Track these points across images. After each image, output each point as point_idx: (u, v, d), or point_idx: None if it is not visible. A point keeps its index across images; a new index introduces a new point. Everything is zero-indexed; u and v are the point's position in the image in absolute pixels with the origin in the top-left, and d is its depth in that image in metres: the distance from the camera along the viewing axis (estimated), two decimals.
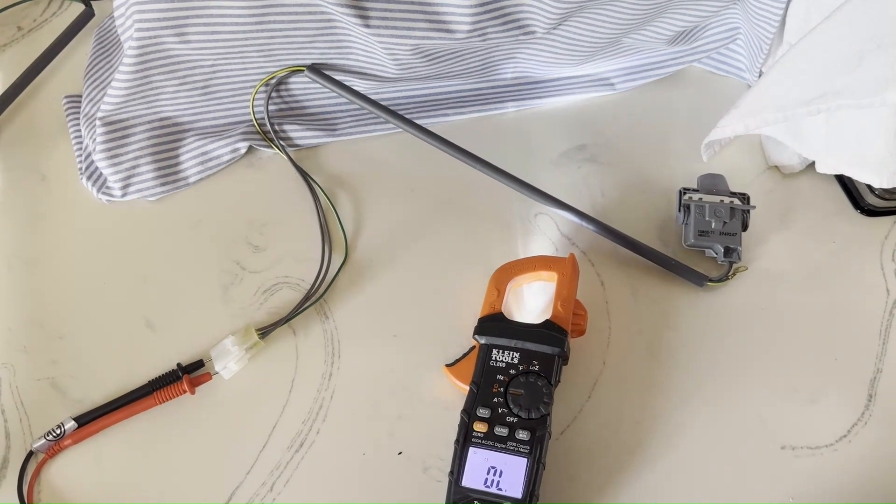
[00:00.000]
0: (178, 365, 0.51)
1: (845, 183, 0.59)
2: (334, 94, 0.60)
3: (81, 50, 0.66)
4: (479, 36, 0.55)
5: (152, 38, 0.53)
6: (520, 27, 0.56)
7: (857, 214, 0.58)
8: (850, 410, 0.51)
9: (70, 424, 0.49)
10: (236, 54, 0.56)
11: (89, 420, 0.49)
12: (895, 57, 0.46)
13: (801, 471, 0.49)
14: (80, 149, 0.59)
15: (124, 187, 0.57)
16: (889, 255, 0.57)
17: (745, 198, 0.56)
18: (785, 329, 0.54)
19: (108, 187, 0.58)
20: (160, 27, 0.53)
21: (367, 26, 0.53)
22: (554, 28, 0.57)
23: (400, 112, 0.60)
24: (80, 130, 0.60)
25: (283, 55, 0.57)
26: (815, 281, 0.56)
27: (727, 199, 0.55)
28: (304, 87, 0.60)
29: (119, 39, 0.58)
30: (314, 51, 0.57)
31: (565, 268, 0.52)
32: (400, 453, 0.49)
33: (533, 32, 0.56)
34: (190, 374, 0.51)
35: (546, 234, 0.58)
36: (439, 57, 0.58)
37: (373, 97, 0.60)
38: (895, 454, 0.49)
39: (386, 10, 0.53)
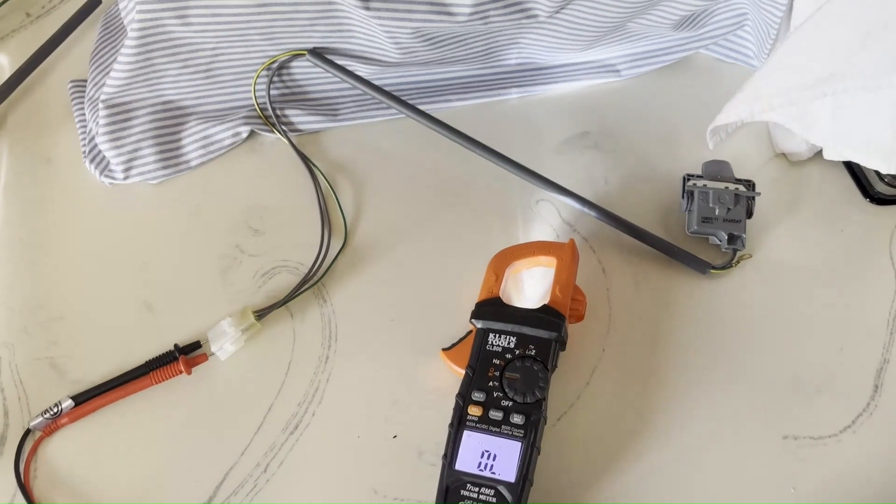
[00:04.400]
0: (175, 346, 0.51)
1: (854, 170, 0.58)
2: (336, 79, 0.60)
3: (88, 36, 0.66)
4: (481, 19, 0.55)
5: (154, 21, 0.53)
6: (522, 10, 0.55)
7: (865, 202, 0.57)
8: (855, 401, 0.50)
9: (67, 403, 0.49)
10: (238, 37, 0.56)
11: (86, 399, 0.49)
12: None
13: (804, 461, 0.48)
14: (85, 132, 0.60)
15: (126, 170, 0.58)
16: None
17: (750, 184, 0.55)
18: (790, 318, 0.53)
19: (110, 170, 0.58)
20: (161, 9, 0.53)
21: (367, 9, 0.53)
22: (557, 12, 0.56)
23: (402, 98, 0.60)
24: (84, 114, 0.60)
25: (284, 39, 0.57)
26: (822, 269, 0.55)
27: (732, 186, 0.55)
28: (307, 72, 0.60)
29: (123, 25, 0.58)
30: (315, 34, 0.57)
31: (564, 253, 0.51)
32: (395, 437, 0.49)
33: (535, 16, 0.56)
34: (187, 354, 0.51)
35: (547, 220, 0.57)
36: (441, 41, 0.58)
37: (375, 82, 0.60)
38: None
39: None
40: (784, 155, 0.60)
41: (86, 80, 0.62)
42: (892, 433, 0.49)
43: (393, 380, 0.51)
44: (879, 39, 0.46)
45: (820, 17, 0.49)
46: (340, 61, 0.59)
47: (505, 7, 0.55)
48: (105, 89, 0.57)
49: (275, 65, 0.59)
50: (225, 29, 0.55)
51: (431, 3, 0.54)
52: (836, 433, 0.49)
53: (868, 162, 0.52)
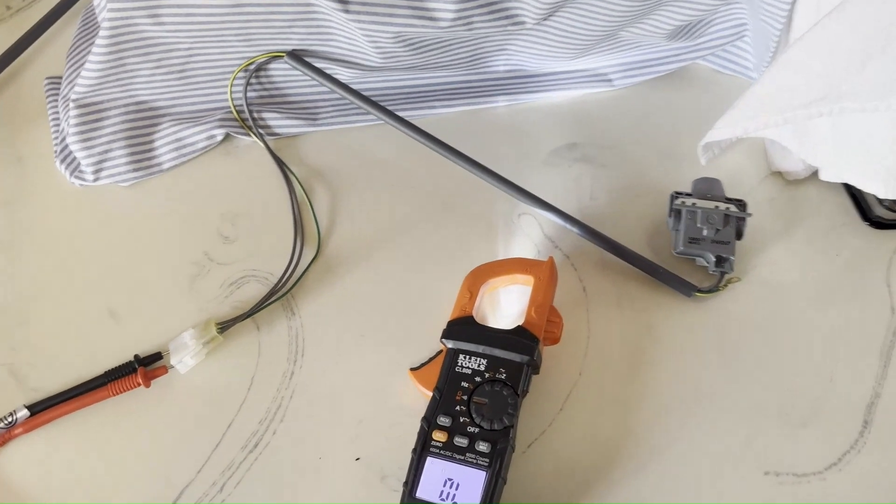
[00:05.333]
0: (136, 357, 0.49)
1: (853, 192, 0.55)
2: (316, 82, 0.58)
3: (68, 31, 0.65)
4: (465, 25, 0.53)
5: (125, 20, 0.52)
6: (508, 17, 0.53)
7: (864, 226, 0.55)
8: (842, 436, 0.47)
9: (22, 413, 0.48)
10: (213, 38, 0.54)
11: (42, 409, 0.48)
12: None
13: (785, 499, 0.45)
14: (58, 131, 0.58)
15: (96, 171, 0.56)
16: None
17: (741, 204, 0.53)
18: (778, 345, 0.50)
19: (80, 171, 0.56)
20: (133, 8, 0.51)
21: (346, 11, 0.51)
22: (545, 19, 0.54)
23: (385, 103, 0.58)
24: (58, 112, 0.59)
25: (261, 40, 0.55)
26: (815, 296, 0.52)
27: (722, 206, 0.52)
28: (285, 74, 0.59)
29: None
30: (294, 36, 0.55)
31: (542, 272, 0.49)
32: (358, 459, 0.47)
33: (522, 23, 0.54)
34: (147, 366, 0.49)
35: (529, 235, 0.55)
36: (425, 46, 0.55)
37: (358, 87, 0.58)
38: (889, 486, 0.46)
39: None
40: (780, 173, 0.57)
41: (62, 77, 0.61)
42: (880, 473, 0.46)
43: (360, 399, 0.49)
44: (879, 61, 0.43)
45: (818, 32, 0.46)
46: (320, 64, 0.57)
47: (490, 13, 0.53)
48: (76, 88, 0.55)
49: (252, 66, 0.57)
50: (199, 29, 0.53)
51: (413, 8, 0.52)
52: (820, 471, 0.46)
53: (865, 186, 0.49)
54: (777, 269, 0.53)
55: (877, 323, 0.51)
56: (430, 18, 0.52)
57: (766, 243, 0.54)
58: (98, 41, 0.53)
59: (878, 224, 0.54)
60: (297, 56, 0.56)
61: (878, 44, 0.43)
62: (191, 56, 0.55)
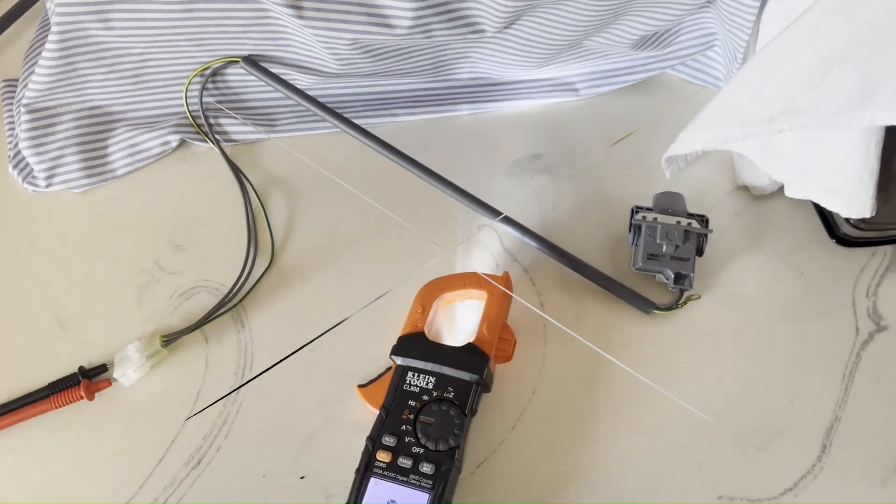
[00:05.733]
0: (80, 368, 0.48)
1: (821, 209, 0.54)
2: (273, 88, 0.57)
3: (29, 32, 0.63)
4: (423, 33, 0.51)
5: (74, 24, 0.50)
6: (467, 25, 0.52)
7: (831, 243, 0.53)
8: (800, 461, 0.46)
9: None
10: (166, 42, 0.53)
11: None
12: (864, 72, 0.41)
13: None
14: (13, 135, 0.57)
15: (49, 178, 0.55)
16: (863, 290, 0.52)
17: (703, 220, 0.51)
18: (738, 366, 0.49)
19: (33, 177, 0.55)
20: (81, 12, 0.50)
21: (301, 17, 0.50)
22: (506, 27, 0.52)
23: (346, 110, 0.57)
24: (13, 116, 0.57)
25: (216, 45, 0.54)
26: (777, 315, 0.51)
27: (683, 221, 0.51)
28: (242, 80, 0.57)
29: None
30: (249, 41, 0.54)
31: (496, 287, 0.48)
32: (302, 478, 0.46)
33: (483, 31, 0.52)
34: (91, 378, 0.48)
35: (488, 248, 0.54)
36: (384, 54, 0.54)
37: (318, 93, 0.57)
38: None
39: (320, 0, 0.49)
40: (747, 187, 0.56)
41: (18, 80, 0.59)
42: (836, 499, 0.45)
43: (308, 415, 0.48)
44: (838, 75, 0.42)
45: (777, 47, 0.45)
46: (277, 70, 0.56)
47: (448, 20, 0.51)
48: (27, 93, 0.54)
49: (208, 71, 0.56)
50: (151, 34, 0.52)
51: (369, 14, 0.50)
52: (775, 496, 0.45)
53: (829, 204, 0.48)
54: (739, 287, 0.52)
55: (841, 344, 0.50)
56: (387, 25, 0.51)
57: (729, 260, 0.53)
58: (48, 45, 0.52)
59: (845, 242, 0.53)
60: (252, 61, 0.55)
61: (836, 58, 0.42)
62: (144, 61, 0.54)
